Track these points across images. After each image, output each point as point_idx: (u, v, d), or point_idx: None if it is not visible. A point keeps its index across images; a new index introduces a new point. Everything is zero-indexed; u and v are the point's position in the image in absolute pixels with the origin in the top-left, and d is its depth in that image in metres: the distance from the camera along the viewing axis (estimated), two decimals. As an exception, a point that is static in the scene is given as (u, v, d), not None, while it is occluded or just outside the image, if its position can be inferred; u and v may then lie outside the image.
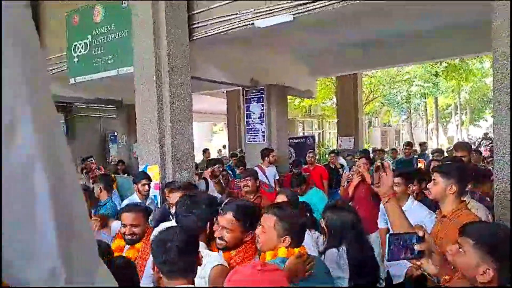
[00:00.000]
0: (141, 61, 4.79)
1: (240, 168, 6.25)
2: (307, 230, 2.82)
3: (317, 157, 8.95)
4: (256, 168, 5.57)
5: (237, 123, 11.33)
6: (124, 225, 2.52)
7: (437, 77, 17.97)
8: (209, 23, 4.96)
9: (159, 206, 4.29)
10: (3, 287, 0.42)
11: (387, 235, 1.43)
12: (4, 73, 0.41)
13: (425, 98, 22.53)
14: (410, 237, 1.40)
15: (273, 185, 6.02)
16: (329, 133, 23.51)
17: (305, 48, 7.25)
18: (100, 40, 5.76)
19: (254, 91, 7.42)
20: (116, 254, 2.31)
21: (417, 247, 1.39)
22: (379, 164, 1.75)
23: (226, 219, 2.07)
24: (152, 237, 1.75)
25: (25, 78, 0.43)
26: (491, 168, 4.45)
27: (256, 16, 4.60)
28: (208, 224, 2.16)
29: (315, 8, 4.20)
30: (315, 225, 3.10)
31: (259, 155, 6.41)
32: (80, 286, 0.45)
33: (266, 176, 5.99)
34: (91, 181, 6.58)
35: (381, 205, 3.31)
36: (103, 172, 7.29)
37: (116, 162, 9.13)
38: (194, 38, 5.09)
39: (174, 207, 2.59)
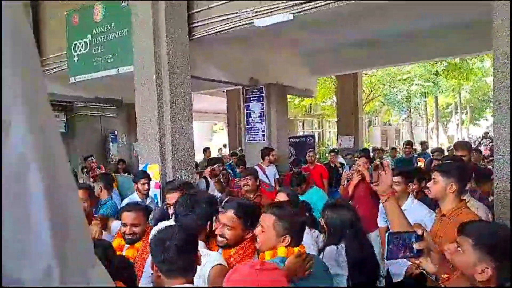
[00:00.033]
0: (141, 60, 4.79)
1: (240, 167, 6.25)
2: (307, 229, 2.84)
3: (317, 156, 8.95)
4: (256, 167, 5.57)
5: (237, 122, 11.32)
6: (124, 225, 2.51)
7: (437, 76, 17.96)
8: (209, 22, 4.96)
9: (159, 205, 4.30)
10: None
11: (386, 234, 1.43)
12: (4, 73, 0.42)
13: (425, 97, 22.53)
14: (409, 236, 1.40)
15: (273, 184, 6.02)
16: (329, 132, 23.52)
17: (305, 47, 7.24)
18: (100, 39, 5.76)
19: (254, 90, 7.42)
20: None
21: (416, 246, 1.38)
22: (378, 162, 1.75)
23: (227, 216, 2.08)
24: (151, 236, 1.75)
25: (23, 78, 0.43)
26: (491, 167, 4.45)
27: (256, 15, 4.60)
28: (208, 223, 2.16)
29: (315, 7, 4.20)
30: (315, 224, 3.11)
31: (259, 154, 6.40)
32: (75, 286, 0.45)
33: (266, 175, 5.99)
34: (91, 180, 6.59)
35: (381, 204, 3.31)
36: (103, 171, 7.30)
37: (116, 161, 9.13)
38: (194, 37, 5.09)
39: (171, 207, 2.58)
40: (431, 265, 1.38)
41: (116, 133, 10.08)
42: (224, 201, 2.93)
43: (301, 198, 3.66)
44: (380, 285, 3.00)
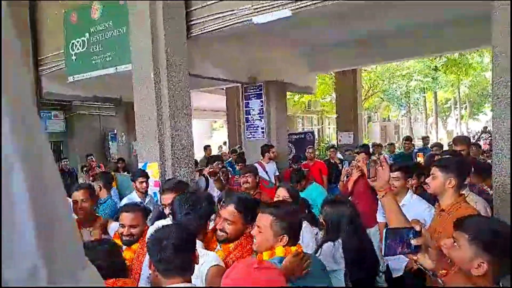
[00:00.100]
0: (139, 58, 4.78)
1: (239, 164, 6.26)
2: (308, 226, 2.84)
3: (316, 153, 8.95)
4: (257, 165, 5.57)
5: (237, 119, 11.31)
6: (122, 225, 2.48)
7: (436, 72, 17.94)
8: (207, 20, 4.94)
9: (158, 203, 4.30)
10: None
11: (384, 230, 1.44)
12: None
13: (425, 93, 22.52)
14: (407, 232, 1.40)
15: (273, 181, 6.03)
16: (329, 128, 23.52)
17: (304, 44, 7.22)
18: (98, 38, 5.74)
19: (253, 87, 7.41)
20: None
21: (414, 242, 1.38)
22: (376, 158, 1.75)
23: (228, 211, 2.09)
24: (147, 235, 1.75)
25: (5, 76, 0.42)
26: (490, 162, 4.45)
27: (254, 12, 4.58)
28: (207, 222, 2.17)
29: (313, 3, 4.19)
30: (314, 221, 3.11)
31: (259, 151, 6.41)
32: (63, 286, 0.45)
33: (266, 172, 6.00)
34: (91, 179, 6.59)
35: (380, 200, 3.32)
36: (103, 170, 7.31)
37: (116, 160, 9.13)
38: (192, 35, 5.07)
39: (167, 207, 2.57)
40: (429, 261, 1.38)
41: (115, 132, 10.08)
42: (224, 196, 2.93)
43: (301, 194, 3.66)
44: (380, 280, 3.01)
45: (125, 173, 7.22)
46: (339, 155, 7.97)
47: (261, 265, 1.24)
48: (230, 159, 8.47)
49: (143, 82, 4.74)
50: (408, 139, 8.75)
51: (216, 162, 5.45)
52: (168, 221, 2.26)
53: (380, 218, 3.65)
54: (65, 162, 8.45)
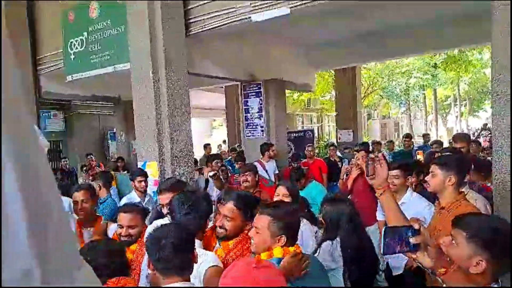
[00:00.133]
0: (138, 57, 4.77)
1: (239, 163, 6.25)
2: (308, 224, 2.84)
3: (316, 151, 8.95)
4: (256, 163, 5.57)
5: (236, 118, 11.31)
6: (120, 226, 2.46)
7: (436, 69, 17.93)
8: (205, 18, 4.93)
9: (157, 203, 4.30)
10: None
11: (383, 228, 1.43)
12: None
13: (424, 90, 22.50)
14: (405, 230, 1.40)
15: (273, 179, 6.03)
16: (328, 126, 23.51)
17: (302, 42, 7.21)
18: (96, 37, 5.73)
19: (252, 85, 7.40)
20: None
21: (412, 240, 1.38)
22: (374, 156, 1.75)
23: (227, 208, 2.09)
24: (146, 235, 1.74)
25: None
26: (490, 159, 4.44)
27: (253, 10, 4.57)
28: (207, 222, 2.17)
29: (312, 1, 4.17)
30: (313, 220, 3.10)
31: (258, 150, 6.40)
32: (58, 286, 0.45)
33: (266, 171, 5.99)
34: (90, 178, 6.59)
35: (380, 198, 3.31)
36: (103, 169, 7.30)
37: (115, 159, 9.13)
38: (191, 33, 5.06)
39: (165, 207, 2.56)
40: (428, 260, 1.38)
41: (114, 131, 10.07)
42: (224, 195, 2.93)
43: (300, 193, 3.66)
44: (380, 278, 3.01)
45: (125, 172, 7.22)
46: (338, 153, 7.97)
47: (260, 264, 1.23)
48: (229, 157, 8.47)
49: (141, 81, 4.73)
50: (408, 136, 8.74)
51: (216, 161, 5.44)
52: (166, 220, 2.26)
53: (379, 216, 3.65)
54: (65, 162, 8.45)
